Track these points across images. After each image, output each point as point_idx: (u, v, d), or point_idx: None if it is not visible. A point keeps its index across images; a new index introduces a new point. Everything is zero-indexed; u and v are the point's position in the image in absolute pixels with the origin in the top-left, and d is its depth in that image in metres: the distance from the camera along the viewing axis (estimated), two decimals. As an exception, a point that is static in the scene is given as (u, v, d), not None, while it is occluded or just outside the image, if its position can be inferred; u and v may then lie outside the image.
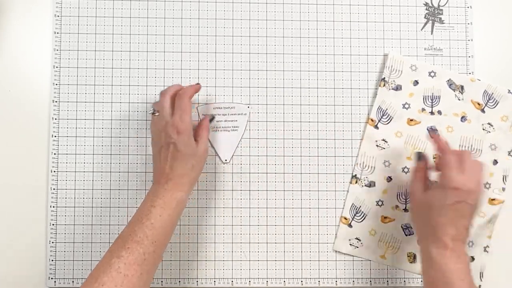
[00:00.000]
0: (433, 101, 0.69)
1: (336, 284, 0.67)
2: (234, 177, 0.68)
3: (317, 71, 0.70)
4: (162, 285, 0.66)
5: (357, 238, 0.68)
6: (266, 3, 0.70)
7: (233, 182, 0.68)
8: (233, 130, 0.66)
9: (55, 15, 0.69)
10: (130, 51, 0.69)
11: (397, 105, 0.69)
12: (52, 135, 0.67)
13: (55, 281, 0.66)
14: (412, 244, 0.68)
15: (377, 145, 0.68)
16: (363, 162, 0.68)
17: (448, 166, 0.57)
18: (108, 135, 0.68)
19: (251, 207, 0.68)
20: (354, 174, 0.68)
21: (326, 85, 0.69)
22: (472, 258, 0.67)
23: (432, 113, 0.69)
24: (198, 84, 0.64)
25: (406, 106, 0.69)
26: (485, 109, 0.69)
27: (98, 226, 0.67)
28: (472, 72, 0.70)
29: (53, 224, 0.66)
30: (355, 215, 0.68)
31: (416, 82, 0.69)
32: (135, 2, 0.69)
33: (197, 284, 0.67)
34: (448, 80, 0.69)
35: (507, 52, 0.71)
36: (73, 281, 0.66)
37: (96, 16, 0.69)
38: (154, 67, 0.69)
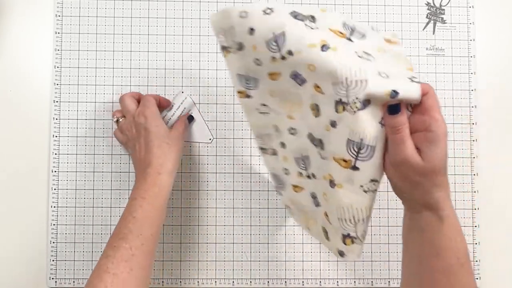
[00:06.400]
0: (278, 41, 0.46)
1: (337, 285, 0.67)
2: (235, 177, 0.68)
3: (318, 71, 0.69)
4: (163, 285, 0.66)
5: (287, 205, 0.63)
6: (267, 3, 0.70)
7: (234, 182, 0.68)
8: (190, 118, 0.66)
9: (56, 15, 0.69)
10: (131, 51, 0.69)
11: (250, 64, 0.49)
12: (53, 135, 0.67)
13: (55, 281, 0.66)
14: (320, 218, 0.55)
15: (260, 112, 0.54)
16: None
17: (434, 107, 0.43)
18: (109, 135, 0.67)
19: (252, 207, 0.68)
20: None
21: (327, 85, 0.69)
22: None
23: (283, 57, 0.46)
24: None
25: (258, 63, 0.49)
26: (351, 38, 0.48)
27: (98, 226, 0.67)
28: (475, 72, 0.70)
29: (53, 224, 0.66)
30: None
31: (251, 31, 0.47)
32: (135, 2, 0.69)
33: (198, 284, 0.67)
34: (291, 12, 0.47)
35: (509, 52, 0.71)
36: (73, 281, 0.66)
37: (97, 16, 0.69)
38: (155, 67, 0.68)
